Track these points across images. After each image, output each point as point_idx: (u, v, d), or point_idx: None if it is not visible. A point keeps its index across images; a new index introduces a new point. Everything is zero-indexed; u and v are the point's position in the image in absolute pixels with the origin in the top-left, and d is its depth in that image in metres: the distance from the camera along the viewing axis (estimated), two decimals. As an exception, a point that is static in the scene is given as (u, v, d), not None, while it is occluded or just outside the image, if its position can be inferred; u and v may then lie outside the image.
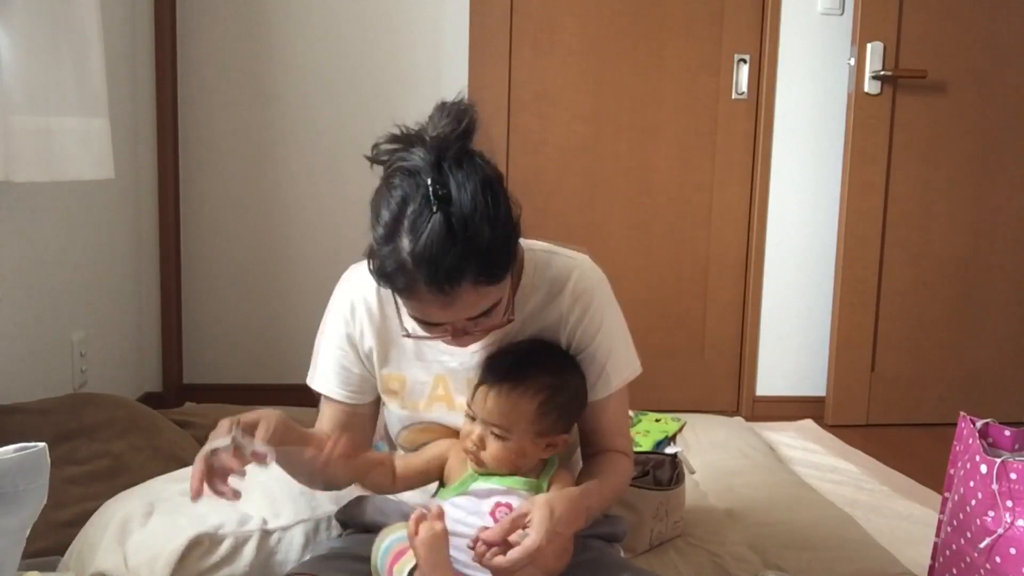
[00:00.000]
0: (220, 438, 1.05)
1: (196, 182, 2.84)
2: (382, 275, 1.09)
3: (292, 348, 2.89)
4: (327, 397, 1.33)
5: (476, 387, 1.20)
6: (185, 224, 2.83)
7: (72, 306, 2.27)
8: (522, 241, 1.21)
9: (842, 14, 2.91)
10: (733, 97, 2.94)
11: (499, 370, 1.19)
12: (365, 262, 1.24)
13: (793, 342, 3.04)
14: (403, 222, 1.04)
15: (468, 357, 1.26)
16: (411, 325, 1.16)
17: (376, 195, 1.10)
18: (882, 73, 2.79)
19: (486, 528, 1.11)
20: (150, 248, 2.77)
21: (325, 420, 1.34)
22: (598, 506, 1.25)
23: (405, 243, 1.04)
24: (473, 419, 1.21)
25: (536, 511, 1.10)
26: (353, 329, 1.29)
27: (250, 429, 1.08)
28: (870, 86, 2.80)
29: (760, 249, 3.00)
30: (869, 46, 2.79)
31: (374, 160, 1.12)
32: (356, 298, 1.29)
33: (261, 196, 2.87)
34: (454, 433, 1.28)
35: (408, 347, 1.28)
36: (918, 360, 2.95)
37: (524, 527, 1.10)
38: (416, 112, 1.18)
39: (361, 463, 1.22)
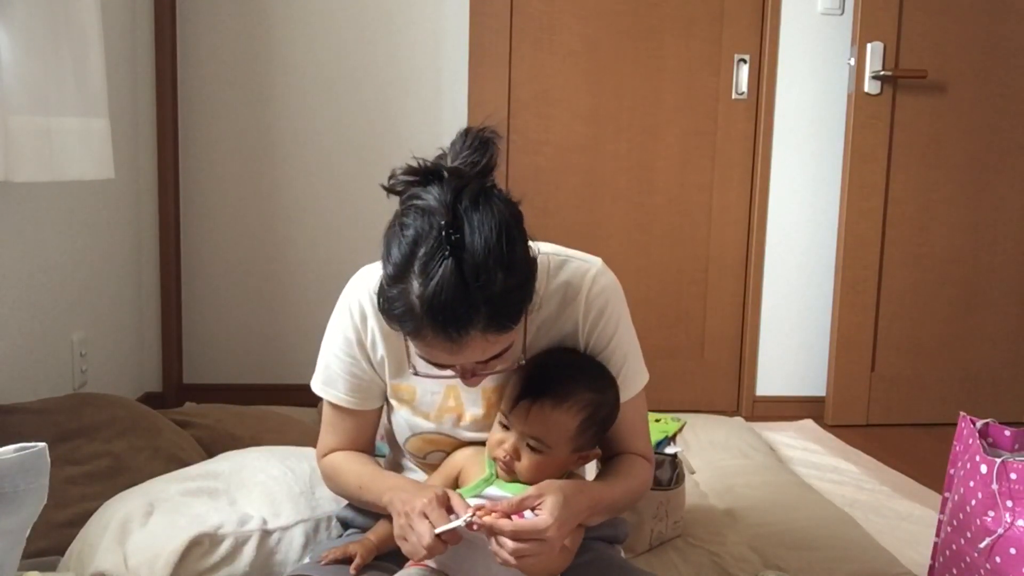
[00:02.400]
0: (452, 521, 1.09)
1: (196, 182, 2.84)
2: (390, 316, 1.07)
3: (292, 348, 2.89)
4: (333, 404, 1.31)
5: (516, 400, 1.17)
6: (185, 224, 2.83)
7: (72, 306, 2.27)
8: (534, 245, 1.18)
9: (842, 14, 2.91)
10: (733, 97, 2.94)
11: (541, 385, 1.17)
12: (374, 264, 1.24)
13: (793, 342, 3.04)
14: (414, 264, 1.02)
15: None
16: (419, 363, 1.14)
17: (388, 231, 1.07)
18: (882, 73, 2.79)
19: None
20: (150, 248, 2.77)
21: (329, 424, 1.33)
22: (611, 504, 1.24)
23: (415, 286, 1.01)
24: (506, 428, 1.19)
25: (549, 496, 1.10)
26: (364, 336, 1.27)
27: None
28: (870, 86, 2.80)
29: (760, 249, 3.00)
30: (869, 46, 2.79)
31: (390, 191, 1.10)
32: (367, 304, 1.25)
33: (261, 196, 2.87)
34: (462, 444, 1.28)
35: (419, 357, 1.25)
36: (918, 360, 2.95)
37: (534, 509, 1.10)
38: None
39: None
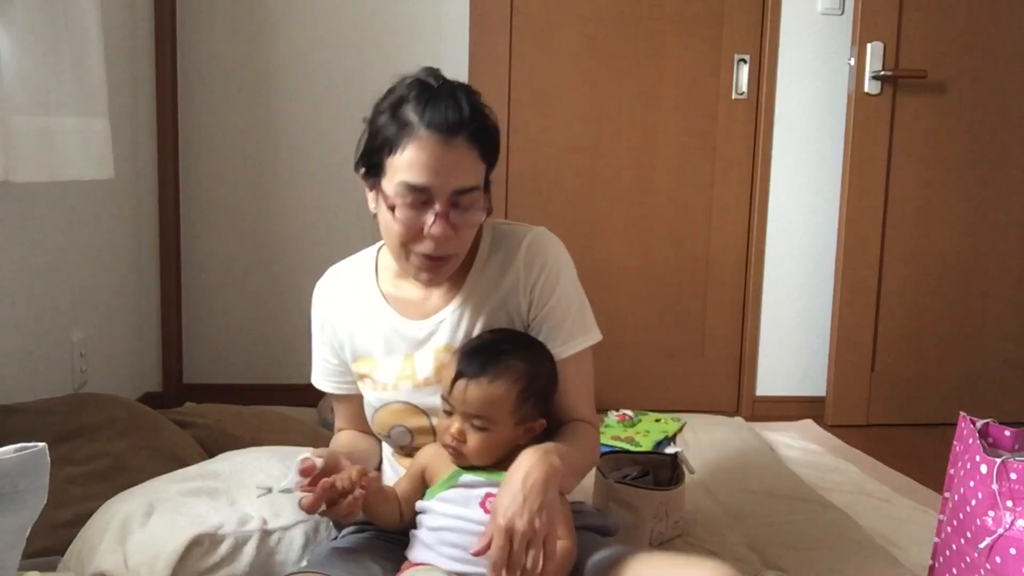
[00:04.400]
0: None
1: (196, 182, 2.83)
2: (385, 140, 1.20)
3: (292, 348, 2.89)
4: (332, 393, 1.45)
5: (453, 381, 1.21)
6: (185, 224, 2.83)
7: (72, 306, 2.27)
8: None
9: (842, 14, 2.91)
10: (733, 97, 2.94)
11: (475, 363, 1.20)
12: (334, 265, 1.43)
13: (793, 342, 3.04)
14: (408, 100, 1.20)
15: (432, 327, 1.31)
16: (401, 214, 1.20)
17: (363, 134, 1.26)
18: (882, 73, 2.79)
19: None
20: (150, 248, 2.77)
21: (336, 410, 1.48)
22: (574, 465, 1.25)
23: (411, 106, 1.19)
24: (450, 413, 1.22)
25: (494, 550, 1.09)
26: (326, 323, 1.41)
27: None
28: (870, 86, 2.80)
29: (760, 249, 3.00)
30: (869, 46, 2.79)
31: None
32: (327, 295, 1.41)
33: (261, 196, 2.87)
34: (420, 411, 1.32)
35: (374, 327, 1.35)
36: (918, 360, 2.95)
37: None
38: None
39: (379, 498, 1.23)
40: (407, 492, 1.26)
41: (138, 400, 2.51)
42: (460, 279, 1.32)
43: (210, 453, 1.90)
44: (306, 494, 1.11)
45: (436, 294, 1.33)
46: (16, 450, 0.88)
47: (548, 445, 1.21)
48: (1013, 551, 1.34)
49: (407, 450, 1.36)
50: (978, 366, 2.97)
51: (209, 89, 2.80)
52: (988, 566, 1.37)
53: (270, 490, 1.26)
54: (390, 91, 1.25)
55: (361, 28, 2.81)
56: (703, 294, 3.02)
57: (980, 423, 1.48)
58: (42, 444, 0.90)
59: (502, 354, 1.22)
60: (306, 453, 1.16)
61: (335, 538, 1.38)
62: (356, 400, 1.42)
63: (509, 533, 1.09)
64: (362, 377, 1.37)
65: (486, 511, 1.17)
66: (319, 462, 1.13)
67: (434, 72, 1.24)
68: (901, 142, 2.85)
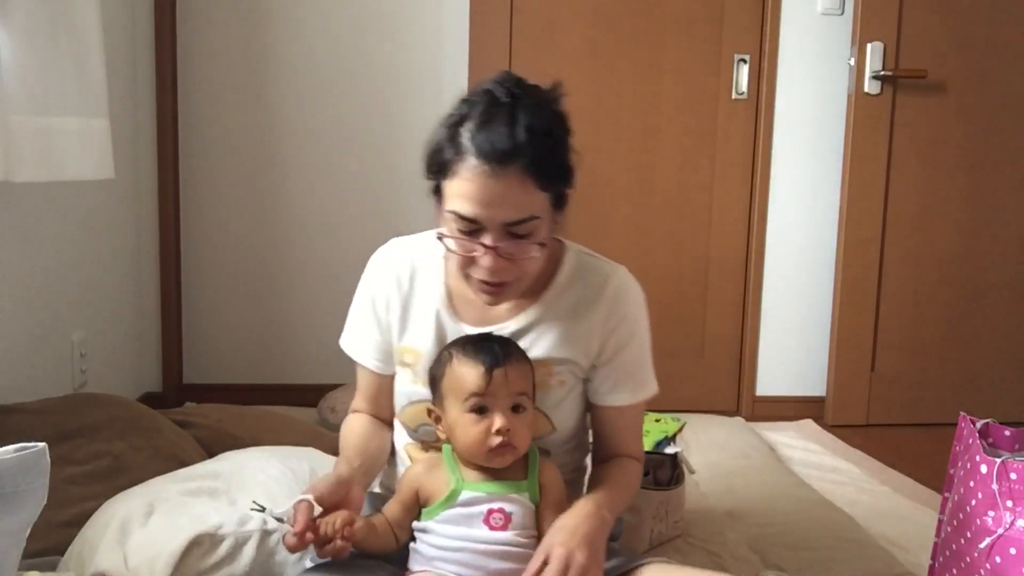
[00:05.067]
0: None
1: (196, 182, 2.83)
2: (438, 161, 1.16)
3: (292, 348, 2.89)
4: (359, 364, 1.38)
5: (491, 369, 1.17)
6: (185, 224, 2.83)
7: (72, 306, 2.27)
8: (564, 241, 1.32)
9: (842, 14, 2.91)
10: (733, 97, 2.94)
11: (496, 351, 1.19)
12: (402, 238, 1.36)
13: (793, 342, 3.04)
14: (468, 120, 1.15)
15: (485, 328, 1.27)
16: (454, 242, 1.18)
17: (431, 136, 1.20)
18: (882, 73, 2.79)
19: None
20: (150, 248, 2.77)
21: (357, 386, 1.41)
22: (613, 514, 1.26)
23: (467, 126, 1.14)
24: (483, 411, 1.17)
25: (553, 562, 1.09)
26: (379, 297, 1.34)
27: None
28: (870, 86, 2.80)
29: (760, 249, 2.99)
30: (869, 46, 2.79)
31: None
32: (387, 268, 1.34)
33: (261, 196, 2.87)
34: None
35: (427, 321, 1.31)
36: (918, 360, 2.95)
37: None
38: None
39: (368, 534, 1.19)
40: (399, 517, 1.21)
41: (138, 400, 2.51)
42: (532, 298, 1.29)
43: (210, 453, 1.91)
44: (291, 531, 1.09)
45: (503, 304, 1.29)
46: (16, 450, 0.88)
47: (600, 498, 1.22)
48: (1013, 551, 1.34)
49: (428, 446, 1.33)
50: (978, 366, 2.97)
51: (209, 89, 2.80)
52: (988, 566, 1.37)
53: (264, 509, 1.25)
54: (463, 101, 1.20)
55: (361, 28, 2.81)
56: (703, 294, 3.02)
57: (980, 423, 1.48)
58: (42, 444, 0.90)
59: (502, 339, 1.23)
60: (309, 496, 1.12)
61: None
62: (385, 381, 1.37)
63: (568, 561, 1.08)
64: (404, 365, 1.33)
65: (491, 528, 1.16)
66: (317, 509, 1.11)
67: (509, 82, 1.19)
68: (901, 142, 2.85)
